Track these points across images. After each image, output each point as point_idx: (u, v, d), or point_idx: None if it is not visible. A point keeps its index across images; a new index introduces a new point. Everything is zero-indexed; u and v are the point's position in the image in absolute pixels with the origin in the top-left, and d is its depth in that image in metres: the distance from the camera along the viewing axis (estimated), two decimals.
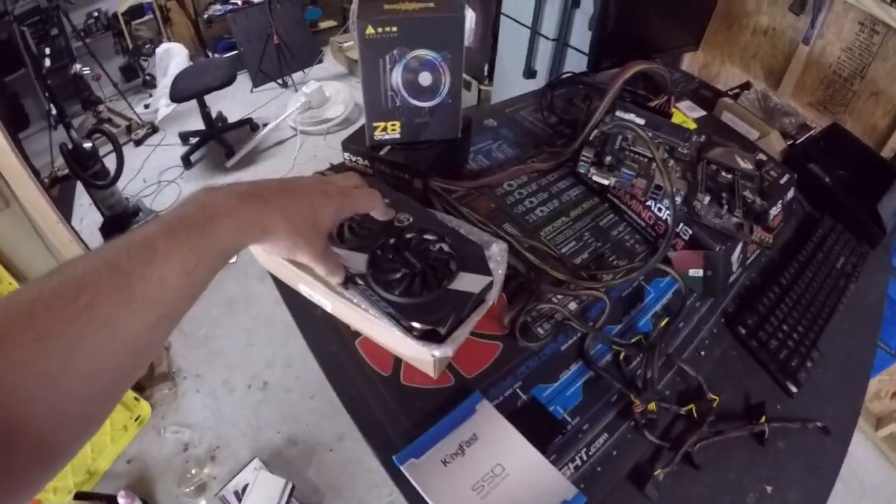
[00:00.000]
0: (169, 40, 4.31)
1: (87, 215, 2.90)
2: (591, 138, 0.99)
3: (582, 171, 0.95)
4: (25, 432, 0.32)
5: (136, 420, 1.97)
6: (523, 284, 0.83)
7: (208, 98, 3.36)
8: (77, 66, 3.48)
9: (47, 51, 3.25)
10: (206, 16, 4.45)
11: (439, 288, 0.65)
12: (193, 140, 3.52)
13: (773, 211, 1.07)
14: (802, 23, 2.08)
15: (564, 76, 1.38)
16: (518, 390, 0.73)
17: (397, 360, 0.75)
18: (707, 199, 0.91)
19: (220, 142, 3.46)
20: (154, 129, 3.80)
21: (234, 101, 3.98)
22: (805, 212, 1.26)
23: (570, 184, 1.09)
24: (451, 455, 0.63)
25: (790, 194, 1.17)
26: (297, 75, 4.31)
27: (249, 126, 3.70)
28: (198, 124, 3.50)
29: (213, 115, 3.53)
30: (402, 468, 0.62)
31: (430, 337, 0.62)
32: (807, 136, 1.57)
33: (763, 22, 2.23)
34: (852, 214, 1.24)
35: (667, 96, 1.16)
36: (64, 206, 3.00)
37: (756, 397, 0.80)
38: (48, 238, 1.75)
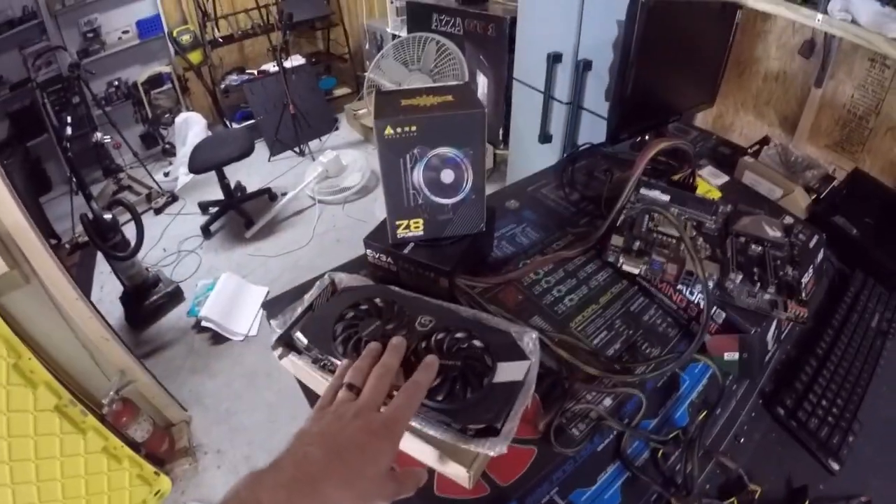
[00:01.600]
0: (187, 109, 4.46)
1: (108, 283, 2.94)
2: (617, 224, 0.98)
3: (611, 259, 0.94)
4: None
5: (155, 495, 1.94)
6: (556, 382, 0.81)
7: (227, 168, 3.42)
8: (98, 135, 3.60)
9: (69, 119, 3.35)
10: (223, 86, 4.59)
11: (482, 386, 0.64)
12: (213, 210, 3.58)
13: (805, 278, 1.04)
14: (813, 65, 2.08)
15: (583, 147, 1.38)
16: (556, 497, 0.70)
17: (430, 470, 0.72)
18: (739, 277, 0.89)
19: (239, 212, 3.51)
20: (174, 198, 3.89)
21: (252, 170, 4.06)
22: (835, 269, 1.22)
23: (598, 267, 1.07)
24: None
25: (820, 256, 1.15)
26: (313, 143, 4.40)
27: (268, 196, 3.77)
28: (217, 194, 3.56)
29: (232, 184, 3.60)
30: None
31: (486, 434, 0.61)
32: (830, 187, 1.54)
33: (774, 67, 2.24)
34: (883, 266, 1.21)
35: (690, 169, 1.15)
36: (84, 273, 3.07)
37: (798, 480, 0.77)
38: (67, 314, 1.75)
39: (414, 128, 0.78)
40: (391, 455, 0.49)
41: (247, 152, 3.36)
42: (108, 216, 2.48)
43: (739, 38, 2.24)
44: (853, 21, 1.67)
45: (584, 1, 2.25)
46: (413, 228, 0.89)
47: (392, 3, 4.26)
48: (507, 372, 0.66)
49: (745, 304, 0.89)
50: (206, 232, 3.43)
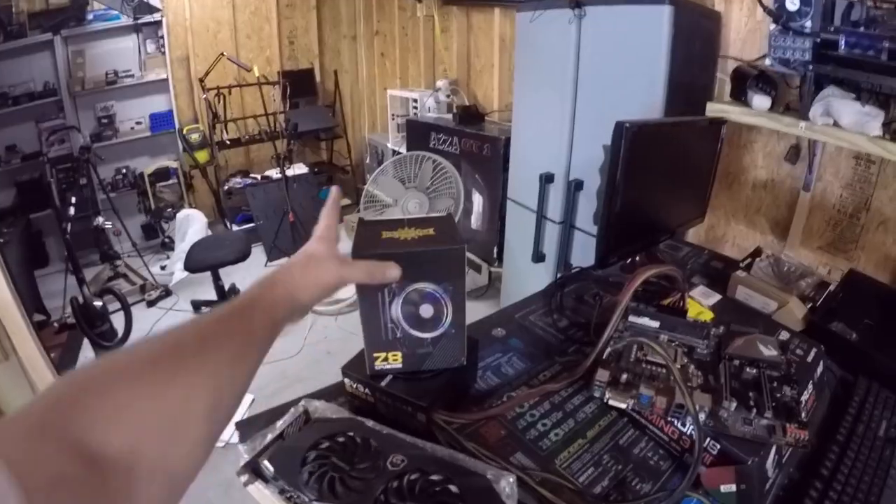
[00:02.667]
0: (190, 206, 4.56)
1: None
2: (604, 356, 0.96)
3: (597, 395, 0.91)
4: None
5: None
6: None
7: (224, 269, 3.43)
8: (100, 219, 3.71)
9: (73, 199, 3.43)
10: (226, 187, 4.72)
11: None
12: (205, 310, 3.51)
13: (805, 395, 1.01)
14: (800, 169, 2.12)
15: (573, 272, 1.38)
16: None
17: None
18: (733, 405, 0.86)
19: None
20: (167, 293, 3.88)
21: (248, 274, 4.01)
22: (837, 379, 1.19)
23: (586, 399, 1.02)
24: None
25: (820, 369, 1.12)
26: None
27: None
28: (211, 293, 3.54)
29: (227, 286, 3.59)
30: None
31: None
32: (826, 294, 1.53)
33: (762, 176, 2.28)
34: (887, 368, 1.18)
35: (680, 294, 1.14)
36: (69, 355, 3.00)
37: None
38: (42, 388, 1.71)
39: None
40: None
41: (243, 257, 3.38)
42: (98, 303, 2.49)
43: (726, 150, 2.31)
44: (835, 124, 1.71)
45: (575, 122, 2.34)
46: (391, 360, 0.88)
47: (393, 119, 4.42)
48: None
49: (740, 433, 0.85)
50: None
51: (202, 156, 4.54)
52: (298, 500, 0.67)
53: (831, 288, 1.56)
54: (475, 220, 3.42)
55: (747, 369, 0.96)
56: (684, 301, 1.16)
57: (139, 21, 4.22)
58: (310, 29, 5.20)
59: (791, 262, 1.60)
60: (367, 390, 0.91)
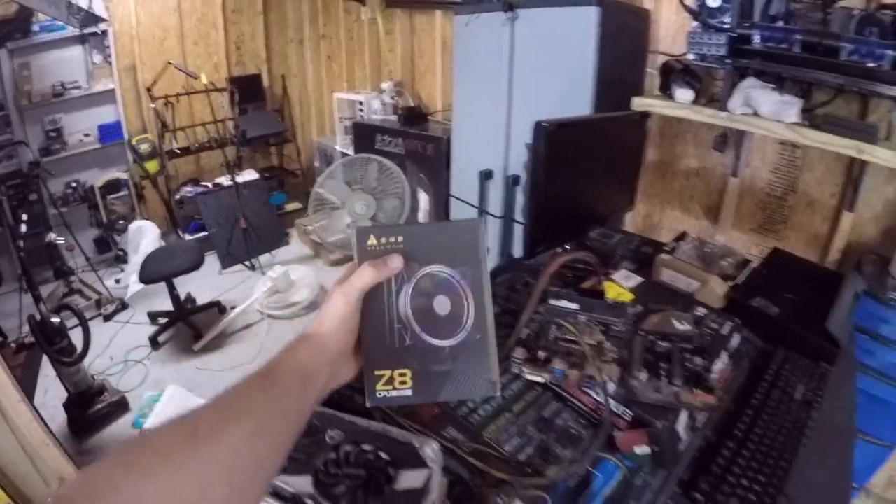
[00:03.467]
0: (142, 217, 4.50)
1: (52, 388, 2.85)
2: (523, 336, 1.03)
3: (515, 371, 0.99)
4: None
5: None
6: (466, 489, 0.84)
7: (178, 278, 3.44)
8: (52, 235, 3.64)
9: (24, 216, 3.38)
10: (177, 196, 4.68)
11: (383, 493, 0.68)
12: (162, 321, 3.56)
13: (719, 364, 1.11)
14: (729, 157, 2.24)
15: (505, 263, 1.46)
16: None
17: None
18: (644, 375, 0.95)
19: (188, 323, 3.50)
20: (123, 306, 3.85)
21: (203, 283, 4.06)
22: (758, 350, 1.29)
23: (512, 377, 1.09)
24: None
25: (735, 340, 1.21)
26: (264, 257, 4.46)
27: (217, 308, 3.77)
28: (167, 304, 3.54)
29: (182, 295, 3.60)
30: None
31: None
32: (748, 271, 1.63)
33: (693, 164, 2.39)
34: (805, 338, 1.28)
35: (597, 277, 1.23)
36: (29, 375, 2.98)
37: None
38: (9, 416, 1.74)
39: (400, 238, 0.67)
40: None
41: (196, 265, 3.39)
42: (55, 320, 2.46)
43: (659, 141, 2.43)
44: (755, 113, 1.83)
45: (511, 120, 2.44)
46: (398, 384, 0.65)
47: (341, 122, 4.46)
48: (409, 480, 0.70)
49: (650, 400, 0.93)
50: (153, 342, 3.38)
51: (152, 166, 4.48)
52: None
53: (754, 265, 1.67)
54: (422, 218, 3.50)
55: (660, 343, 1.04)
56: (601, 283, 1.24)
57: (86, 31, 4.15)
58: (256, 34, 5.19)
59: (714, 244, 1.70)
60: None
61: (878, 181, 1.93)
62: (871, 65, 1.59)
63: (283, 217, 5.08)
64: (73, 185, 4.42)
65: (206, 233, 4.44)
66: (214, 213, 4.41)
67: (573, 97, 2.07)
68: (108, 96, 4.41)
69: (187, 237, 4.52)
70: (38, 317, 2.43)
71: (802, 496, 0.90)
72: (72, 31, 4.11)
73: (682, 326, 1.12)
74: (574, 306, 1.06)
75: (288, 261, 4.43)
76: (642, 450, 0.92)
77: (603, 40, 2.02)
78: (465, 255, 0.68)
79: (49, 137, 4.24)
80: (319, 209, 2.61)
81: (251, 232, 4.30)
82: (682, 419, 0.96)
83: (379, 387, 0.65)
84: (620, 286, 1.28)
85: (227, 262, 4.35)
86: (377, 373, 0.65)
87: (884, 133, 1.75)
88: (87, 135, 4.43)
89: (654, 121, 2.41)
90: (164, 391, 2.75)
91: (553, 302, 1.07)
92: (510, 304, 1.35)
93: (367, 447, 0.76)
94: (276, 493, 0.72)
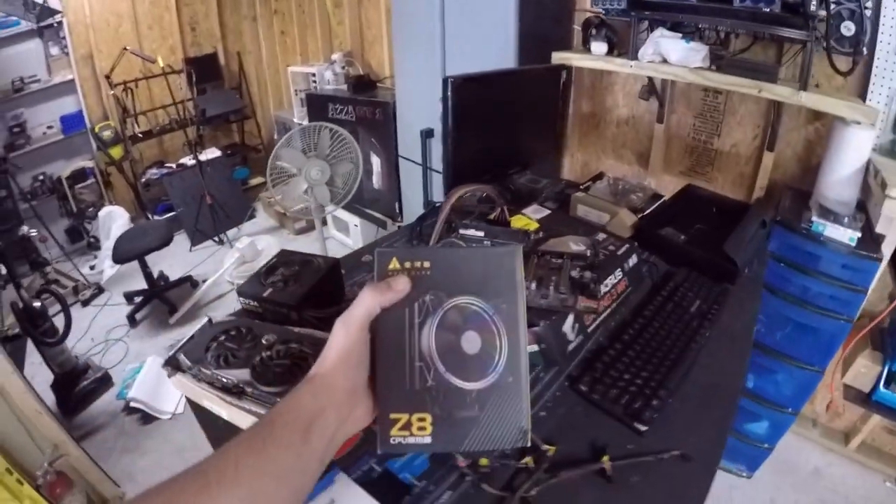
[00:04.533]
0: (111, 203, 4.60)
1: (39, 373, 2.96)
2: None
3: None
4: None
5: None
6: None
7: (150, 258, 3.58)
8: (24, 228, 3.77)
9: None
10: (143, 179, 4.78)
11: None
12: (137, 299, 3.70)
13: (611, 280, 1.28)
14: (654, 105, 2.41)
15: (430, 207, 1.60)
16: (374, 465, 0.88)
17: None
18: (533, 284, 1.12)
19: (162, 300, 3.66)
20: (100, 290, 3.98)
21: (174, 260, 4.22)
22: (662, 272, 1.46)
23: None
24: None
25: (632, 261, 1.38)
26: (232, 231, 4.64)
27: (190, 283, 3.93)
28: (141, 284, 3.69)
29: (156, 274, 3.75)
30: None
31: None
32: (658, 204, 1.81)
33: (623, 114, 2.56)
34: (704, 260, 1.44)
35: (500, 208, 1.39)
36: (16, 364, 3.09)
37: (603, 442, 0.93)
38: (3, 388, 1.91)
39: (427, 263, 0.59)
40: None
41: (166, 242, 3.54)
42: (37, 304, 2.59)
43: (591, 93, 2.59)
44: (664, 61, 1.98)
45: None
46: (416, 431, 0.58)
47: (297, 94, 4.54)
48: None
49: (537, 305, 1.11)
50: (131, 320, 3.53)
51: (116, 152, 4.57)
52: (203, 376, 0.91)
53: (665, 199, 1.84)
54: (376, 181, 3.65)
55: (553, 260, 1.21)
56: (505, 214, 1.41)
57: (41, 24, 4.18)
58: (210, 13, 5.22)
59: (628, 182, 1.87)
60: (255, 303, 1.13)
61: (799, 122, 2.09)
62: (765, 10, 1.74)
63: (248, 191, 5.22)
64: (41, 177, 4.48)
65: (174, 212, 4.55)
66: (181, 193, 4.52)
67: (498, 54, 2.21)
68: (67, 87, 4.46)
69: (156, 218, 4.63)
70: (20, 303, 2.55)
71: (689, 393, 1.04)
72: (26, 24, 4.14)
73: (577, 247, 1.29)
74: (479, 234, 1.22)
75: (255, 233, 4.59)
76: (531, 348, 1.09)
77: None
78: (501, 286, 0.59)
79: (13, 133, 4.30)
80: (278, 180, 2.74)
81: (217, 208, 4.45)
82: (569, 322, 1.13)
83: (394, 431, 0.57)
84: (529, 218, 1.45)
85: (196, 239, 4.48)
86: (393, 416, 0.58)
87: (791, 74, 1.91)
88: (49, 127, 4.48)
89: (585, 74, 2.57)
90: (145, 362, 2.92)
91: (462, 231, 1.23)
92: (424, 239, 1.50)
93: (293, 345, 0.94)
94: (220, 385, 0.89)
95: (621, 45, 2.17)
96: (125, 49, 4.31)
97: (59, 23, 4.27)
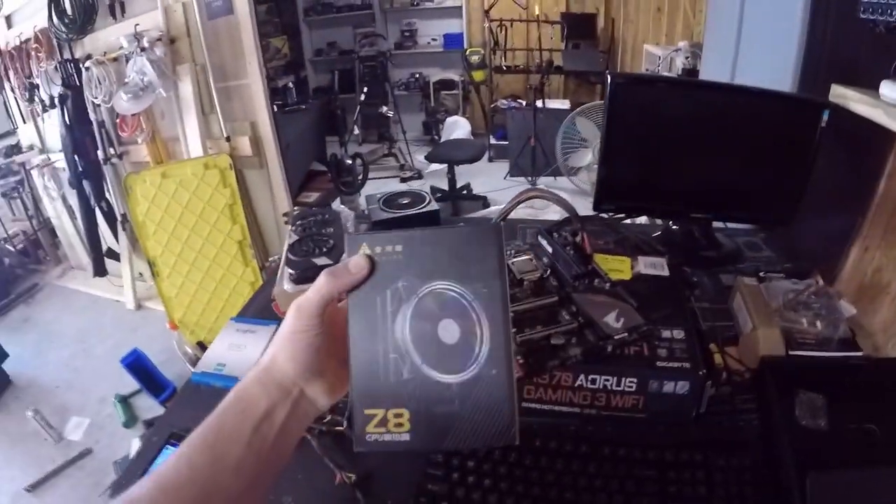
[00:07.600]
0: (464, 115, 5.56)
1: None
2: None
3: None
4: None
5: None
6: None
7: (466, 171, 4.28)
8: (384, 108, 5.04)
9: (365, 88, 4.93)
10: (493, 105, 5.51)
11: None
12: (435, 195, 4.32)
13: None
14: None
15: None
16: None
17: None
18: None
19: (453, 204, 4.29)
20: (420, 176, 4.98)
21: (487, 181, 4.79)
22: None
23: None
24: None
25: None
26: (545, 178, 4.80)
27: (483, 203, 4.43)
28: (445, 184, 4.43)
29: (465, 185, 4.45)
30: None
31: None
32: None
33: None
34: None
35: (580, 234, 0.93)
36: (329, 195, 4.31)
37: None
38: (275, 194, 2.97)
39: (399, 247, 0.54)
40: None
41: (473, 159, 4.23)
42: (348, 161, 3.42)
43: None
44: None
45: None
46: (393, 427, 0.54)
47: (646, 72, 4.42)
48: None
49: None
50: None
51: (479, 75, 5.30)
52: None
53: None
54: None
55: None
56: (585, 243, 0.95)
57: None
58: None
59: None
60: None
61: None
62: None
63: None
64: (416, 76, 5.70)
65: (507, 142, 5.07)
66: (515, 128, 4.93)
67: (774, 73, 1.74)
68: (455, 11, 5.51)
69: (493, 141, 5.31)
70: (337, 156, 3.47)
71: None
72: None
73: (610, 321, 0.76)
74: (549, 248, 1.01)
75: (558, 188, 4.70)
76: None
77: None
78: (480, 269, 0.53)
79: (403, 36, 5.66)
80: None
81: (539, 151, 4.70)
82: None
83: (370, 428, 0.54)
84: (624, 264, 1.03)
85: (513, 171, 4.94)
86: (368, 412, 0.54)
87: None
88: (434, 39, 5.66)
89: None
90: None
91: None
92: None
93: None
94: None
95: None
96: None
97: None
